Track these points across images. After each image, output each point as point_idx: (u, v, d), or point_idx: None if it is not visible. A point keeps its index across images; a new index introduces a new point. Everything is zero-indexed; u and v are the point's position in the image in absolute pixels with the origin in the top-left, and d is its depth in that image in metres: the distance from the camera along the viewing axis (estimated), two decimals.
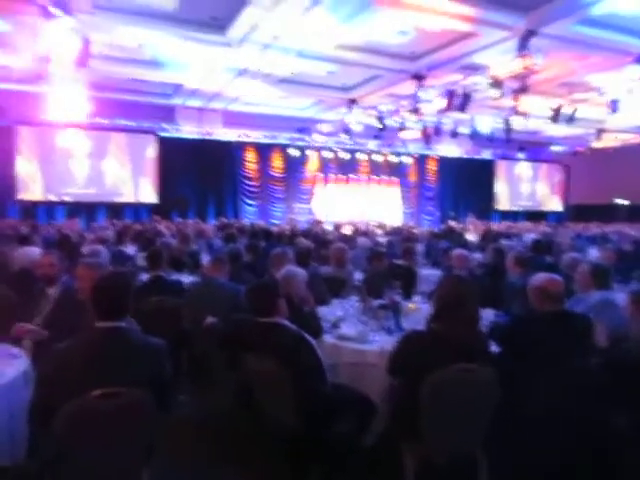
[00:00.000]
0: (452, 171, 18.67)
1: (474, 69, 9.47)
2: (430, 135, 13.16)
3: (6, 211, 12.38)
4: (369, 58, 9.43)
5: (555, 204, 21.15)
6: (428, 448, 2.53)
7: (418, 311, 3.77)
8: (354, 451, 2.86)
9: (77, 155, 13.23)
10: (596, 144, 16.35)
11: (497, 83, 8.64)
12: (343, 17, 7.45)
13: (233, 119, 14.57)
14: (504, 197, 19.98)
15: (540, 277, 3.02)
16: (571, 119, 11.07)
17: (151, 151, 14.17)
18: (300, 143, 15.93)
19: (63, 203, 13.20)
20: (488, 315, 3.64)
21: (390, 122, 12.22)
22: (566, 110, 10.96)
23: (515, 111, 10.49)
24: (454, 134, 13.61)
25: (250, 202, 15.87)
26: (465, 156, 18.58)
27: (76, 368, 2.15)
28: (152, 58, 9.73)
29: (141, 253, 6.14)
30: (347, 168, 17.10)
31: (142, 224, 10.98)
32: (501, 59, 8.56)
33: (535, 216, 18.88)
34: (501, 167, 19.80)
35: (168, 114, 14.02)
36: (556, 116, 10.93)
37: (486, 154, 18.92)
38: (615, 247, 6.78)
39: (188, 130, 14.28)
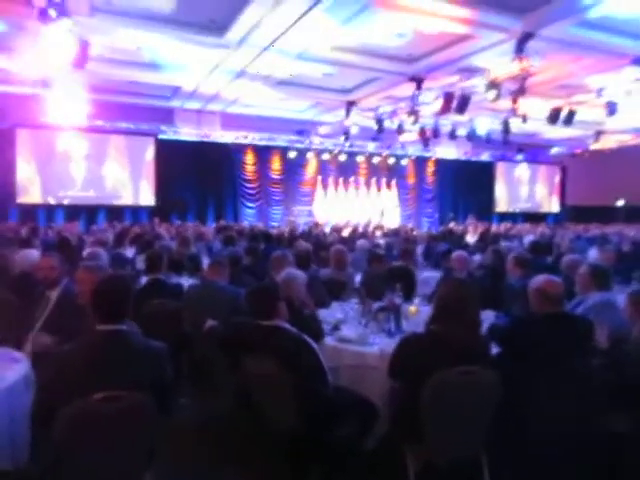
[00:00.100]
0: (451, 173, 18.71)
1: (472, 71, 9.49)
2: (428, 137, 13.17)
3: (6, 214, 12.37)
4: (367, 60, 9.45)
5: (554, 205, 21.19)
6: (430, 450, 2.53)
7: (418, 313, 3.76)
8: (355, 454, 2.86)
9: (76, 158, 13.23)
10: (594, 146, 16.39)
11: (494, 85, 8.65)
12: (342, 19, 7.47)
13: (232, 121, 14.58)
14: (503, 199, 20.01)
15: (539, 279, 3.03)
16: (569, 121, 11.09)
17: (150, 153, 14.17)
18: (299, 145, 15.93)
19: (62, 206, 13.19)
20: (488, 316, 3.64)
21: (388, 124, 12.24)
22: (564, 112, 10.98)
23: (513, 113, 10.54)
24: (452, 136, 13.64)
25: (249, 204, 15.87)
26: (464, 158, 18.61)
27: (77, 371, 2.15)
28: (151, 60, 9.73)
29: (140, 256, 6.14)
30: (346, 170, 17.12)
31: (141, 227, 10.97)
32: (499, 61, 8.58)
33: (534, 218, 18.91)
34: (500, 169, 19.83)
35: (167, 116, 14.02)
36: (554, 118, 10.95)
37: (485, 156, 18.96)
38: (615, 248, 6.79)
39: (187, 132, 14.28)
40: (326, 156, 16.58)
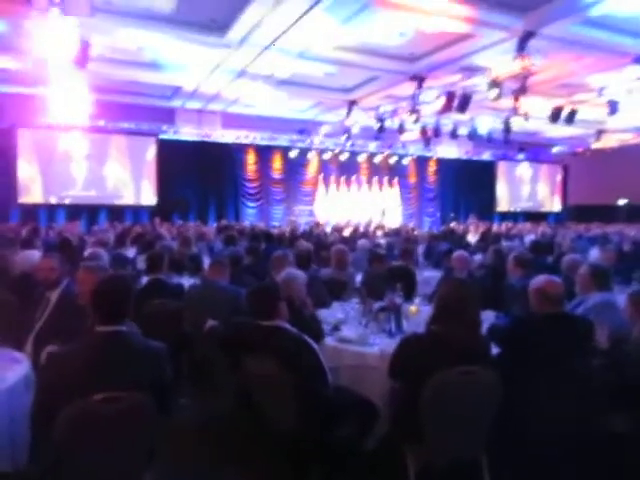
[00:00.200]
0: (452, 172, 18.69)
1: (473, 70, 9.48)
2: (430, 136, 13.16)
3: (7, 214, 12.39)
4: (368, 59, 9.45)
5: (555, 205, 21.16)
6: (430, 451, 2.53)
7: (419, 313, 3.76)
8: (356, 454, 2.86)
9: (77, 157, 13.24)
10: (596, 145, 16.36)
11: (496, 84, 8.64)
12: (342, 19, 7.47)
13: (233, 121, 14.59)
14: (504, 198, 19.98)
15: (540, 279, 3.02)
16: (570, 120, 11.07)
17: (151, 153, 14.17)
18: (300, 145, 15.93)
19: (64, 206, 13.21)
20: (488, 317, 3.63)
21: (390, 124, 12.23)
22: (565, 111, 10.96)
23: (515, 112, 10.52)
24: (454, 135, 13.62)
25: (250, 204, 15.87)
26: (465, 157, 18.59)
27: (77, 372, 2.15)
28: (151, 60, 9.74)
29: (141, 256, 6.14)
30: (347, 170, 17.11)
31: (142, 227, 10.98)
32: (500, 60, 8.57)
33: (535, 217, 18.88)
34: (501, 168, 19.80)
35: (168, 116, 14.03)
36: (555, 117, 10.93)
37: (486, 155, 18.93)
38: (615, 248, 6.78)
39: (188, 132, 14.29)
40: (327, 155, 16.57)
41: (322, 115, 14.51)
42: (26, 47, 8.17)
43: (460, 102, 9.76)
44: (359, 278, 5.33)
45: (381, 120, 12.10)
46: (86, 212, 13.34)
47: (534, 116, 11.78)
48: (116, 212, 13.64)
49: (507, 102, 9.79)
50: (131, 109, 13.25)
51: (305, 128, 15.33)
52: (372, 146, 16.69)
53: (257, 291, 3.02)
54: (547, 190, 20.96)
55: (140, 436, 2.18)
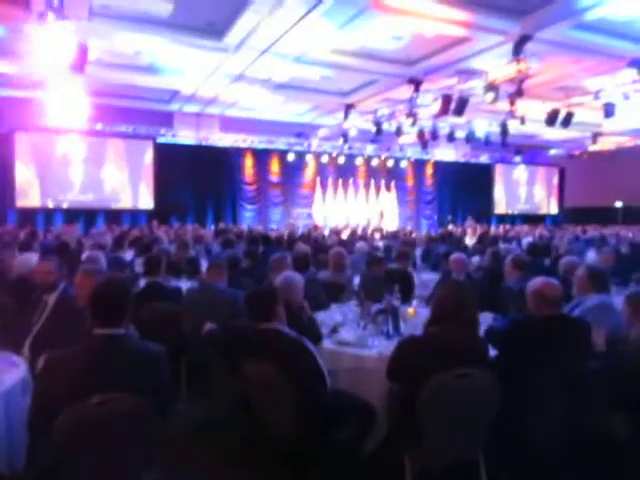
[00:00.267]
0: (450, 175, 18.74)
1: (470, 73, 9.51)
2: (427, 139, 13.20)
3: (5, 217, 12.37)
4: (366, 63, 9.48)
5: (552, 207, 21.22)
6: (428, 453, 2.53)
7: (416, 316, 3.76)
8: (354, 457, 2.86)
9: (75, 161, 13.23)
10: (592, 147, 16.43)
11: (492, 87, 8.68)
12: (339, 23, 7.49)
13: (231, 124, 14.61)
14: (502, 201, 20.03)
15: (537, 281, 3.03)
16: (567, 123, 11.11)
17: (149, 157, 14.17)
18: (298, 148, 15.96)
19: (61, 209, 13.19)
20: (486, 319, 3.64)
21: (387, 127, 12.26)
22: (562, 114, 11.00)
23: (511, 115, 10.56)
24: (451, 138, 13.66)
25: (248, 207, 15.88)
26: (462, 160, 18.64)
27: (75, 375, 2.14)
28: (149, 64, 9.75)
29: (139, 259, 6.14)
30: (345, 173, 17.13)
31: (140, 230, 10.97)
32: (497, 63, 8.60)
33: (532, 219, 18.93)
34: (498, 171, 19.86)
35: (166, 120, 14.04)
36: (552, 120, 10.97)
37: (483, 158, 18.98)
38: (613, 250, 6.80)
39: (186, 135, 14.30)
40: (325, 159, 16.60)
41: (320, 118, 14.54)
42: (24, 51, 8.17)
43: (457, 105, 9.79)
44: (357, 281, 5.33)
45: (378, 123, 12.13)
46: (84, 215, 13.32)
47: (531, 119, 11.84)
48: (114, 215, 13.63)
49: (504, 105, 9.83)
50: (129, 113, 13.26)
51: (303, 131, 15.37)
52: (369, 149, 16.73)
53: (255, 294, 3.02)
54: (544, 193, 21.02)
55: (138, 439, 2.17)
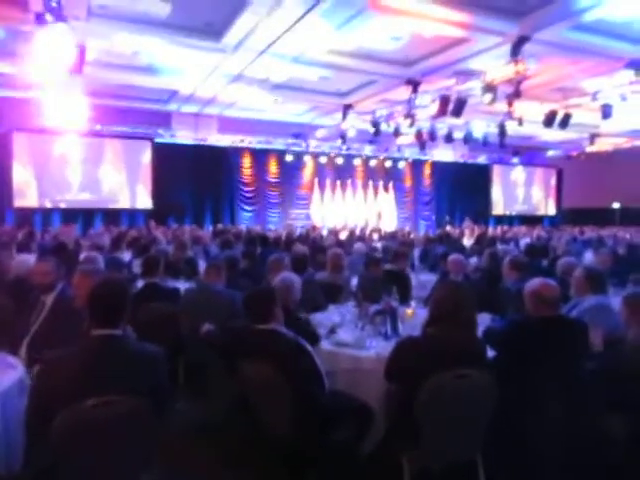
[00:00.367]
0: (448, 176, 18.76)
1: (468, 74, 9.53)
2: (425, 140, 13.21)
3: (2, 217, 12.35)
4: (364, 64, 9.48)
5: (550, 208, 21.26)
6: (426, 454, 2.54)
7: (414, 316, 3.77)
8: (352, 458, 2.86)
9: (73, 161, 13.20)
10: (590, 148, 16.47)
11: (490, 88, 8.69)
12: (337, 24, 7.49)
13: (229, 125, 14.60)
14: (499, 202, 20.06)
15: (535, 282, 3.03)
16: (564, 124, 11.14)
17: (147, 157, 14.15)
18: (296, 149, 15.96)
19: (59, 209, 13.16)
20: (484, 320, 3.65)
21: (385, 127, 12.27)
22: (560, 115, 11.03)
23: (509, 116, 10.58)
24: (449, 139, 13.68)
25: (246, 208, 15.87)
26: (460, 161, 18.67)
27: (72, 377, 2.14)
28: (147, 64, 9.74)
29: (137, 260, 6.13)
30: (343, 173, 17.14)
31: (138, 230, 10.96)
32: (495, 64, 8.61)
33: (530, 220, 18.96)
34: (496, 172, 19.88)
35: (164, 120, 14.03)
36: (550, 121, 11.00)
37: (481, 159, 19.01)
38: (610, 251, 6.82)
39: (184, 136, 14.28)
40: (323, 159, 16.61)
41: (318, 119, 14.54)
42: (22, 51, 8.16)
43: (455, 106, 9.81)
44: (355, 281, 5.34)
45: (376, 124, 12.13)
46: (81, 216, 13.29)
47: (528, 120, 11.84)
48: (112, 216, 13.60)
49: (502, 106, 9.84)
50: (127, 113, 13.24)
51: (301, 132, 15.36)
52: (368, 150, 16.74)
53: (253, 295, 3.03)
54: (542, 194, 21.06)
55: (136, 440, 2.17)
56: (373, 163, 17.48)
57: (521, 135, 15.11)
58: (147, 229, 11.59)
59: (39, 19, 6.02)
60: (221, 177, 15.37)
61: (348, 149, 16.02)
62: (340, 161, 16.75)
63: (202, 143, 14.54)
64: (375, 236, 12.02)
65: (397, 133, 12.22)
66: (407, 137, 13.11)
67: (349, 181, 17.32)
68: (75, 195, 13.28)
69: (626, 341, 2.90)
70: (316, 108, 13.42)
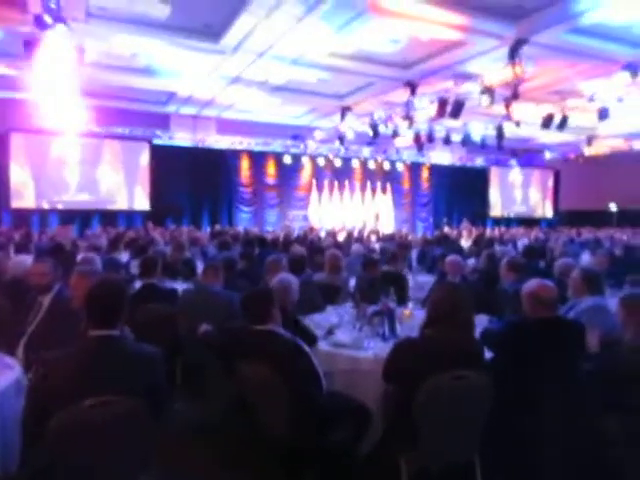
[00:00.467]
0: (446, 178, 18.79)
1: (466, 77, 9.56)
2: (423, 142, 13.24)
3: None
4: (362, 66, 9.50)
5: (547, 210, 21.31)
6: (424, 455, 2.54)
7: (412, 318, 3.77)
8: (350, 459, 2.86)
9: (70, 162, 13.18)
10: (587, 151, 16.51)
11: (488, 91, 8.72)
12: (336, 26, 7.51)
13: (227, 127, 14.62)
14: (497, 203, 20.10)
15: (532, 283, 3.04)
16: (562, 126, 11.18)
17: (145, 158, 14.14)
18: (294, 150, 15.98)
19: (56, 211, 13.14)
20: (482, 321, 3.65)
21: (383, 129, 12.30)
22: (557, 117, 11.07)
23: (507, 118, 10.61)
24: (447, 141, 13.71)
25: (245, 209, 15.88)
26: (458, 163, 18.70)
27: (69, 378, 2.14)
28: (146, 66, 9.75)
29: (134, 261, 6.13)
30: (341, 175, 17.15)
31: (136, 231, 10.95)
32: (492, 67, 8.65)
33: (528, 222, 19.00)
34: (494, 174, 19.93)
35: (162, 122, 14.04)
36: (547, 123, 11.04)
37: (479, 161, 19.05)
38: (607, 252, 6.84)
39: (182, 137, 14.29)
40: (321, 161, 16.62)
41: (316, 121, 14.56)
42: (20, 52, 8.16)
43: (453, 108, 9.84)
44: (353, 283, 5.34)
45: (375, 126, 12.16)
46: (79, 217, 13.27)
47: (526, 122, 11.89)
48: (109, 217, 13.59)
49: (499, 108, 9.87)
50: (125, 114, 13.24)
51: (299, 134, 15.38)
52: (366, 152, 16.77)
53: (251, 296, 3.03)
54: (539, 195, 21.11)
55: (134, 441, 2.17)
56: (371, 165, 17.50)
57: (519, 137, 15.16)
58: (145, 230, 11.57)
59: (38, 21, 6.02)
60: (219, 179, 15.37)
61: (346, 151, 16.03)
62: (338, 163, 16.76)
63: (200, 145, 14.54)
64: (373, 237, 12.03)
65: (395, 135, 12.24)
66: (405, 139, 13.13)
67: (347, 183, 17.33)
68: (73, 196, 13.27)
69: (623, 342, 2.91)
70: (314, 110, 13.44)
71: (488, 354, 2.96)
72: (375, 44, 8.41)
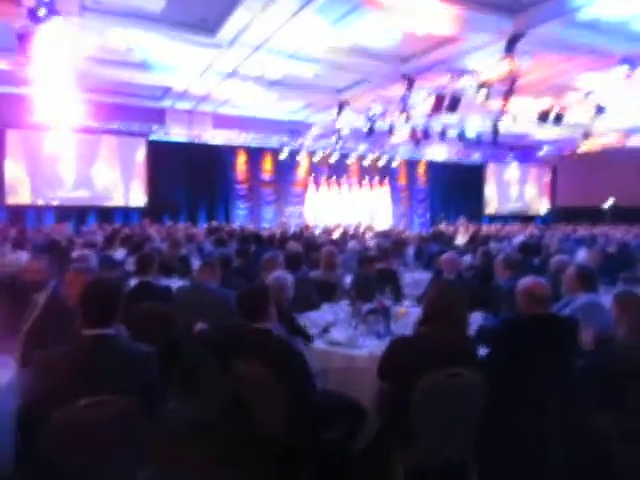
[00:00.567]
0: (442, 174, 18.79)
1: (463, 72, 9.54)
2: (419, 138, 13.22)
3: None
4: (358, 60, 9.47)
5: (543, 206, 21.35)
6: (418, 453, 2.55)
7: (407, 315, 3.78)
8: (344, 457, 2.87)
9: (66, 158, 13.11)
10: (583, 147, 16.54)
11: (484, 86, 8.71)
12: (333, 20, 7.48)
13: (223, 122, 14.56)
14: (493, 200, 20.12)
15: (527, 280, 3.06)
16: (558, 121, 11.19)
17: (141, 154, 14.08)
18: (291, 146, 15.94)
19: (52, 207, 13.08)
20: (477, 318, 3.66)
21: (380, 125, 12.27)
22: (553, 112, 11.08)
23: (503, 113, 10.61)
24: (443, 137, 13.70)
25: (241, 205, 15.84)
26: (455, 159, 18.70)
27: (64, 376, 2.14)
28: (142, 61, 9.69)
29: (130, 258, 6.11)
30: (337, 171, 17.13)
31: (131, 228, 10.91)
32: (489, 61, 8.63)
33: (524, 219, 19.03)
34: (490, 170, 19.94)
35: (158, 117, 13.96)
36: (543, 118, 11.04)
37: (476, 157, 19.05)
38: (600, 249, 6.86)
39: (178, 133, 14.22)
40: (318, 157, 16.59)
41: (312, 116, 14.51)
42: (15, 47, 8.09)
43: (450, 103, 9.82)
44: (349, 280, 5.34)
45: (371, 122, 12.13)
46: (75, 213, 13.20)
47: (522, 117, 11.89)
48: (105, 214, 13.54)
49: (496, 104, 9.86)
50: (121, 109, 13.15)
51: (296, 129, 15.34)
52: (362, 147, 16.73)
53: (247, 293, 3.02)
54: (535, 192, 21.15)
55: (129, 440, 2.17)
56: (367, 161, 17.48)
57: (515, 133, 15.15)
58: (141, 227, 11.54)
59: (32, 14, 5.98)
60: (215, 175, 15.32)
61: (343, 147, 15.99)
62: (334, 159, 16.73)
63: (196, 140, 14.48)
64: (369, 234, 12.02)
65: (392, 131, 12.22)
66: (401, 135, 13.11)
67: (344, 179, 17.31)
68: (68, 192, 13.20)
69: (616, 339, 2.93)
70: (311, 105, 13.39)
71: (482, 351, 2.97)
72: (371, 38, 8.38)
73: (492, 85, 8.76)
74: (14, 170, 12.57)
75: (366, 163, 17.46)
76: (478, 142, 14.30)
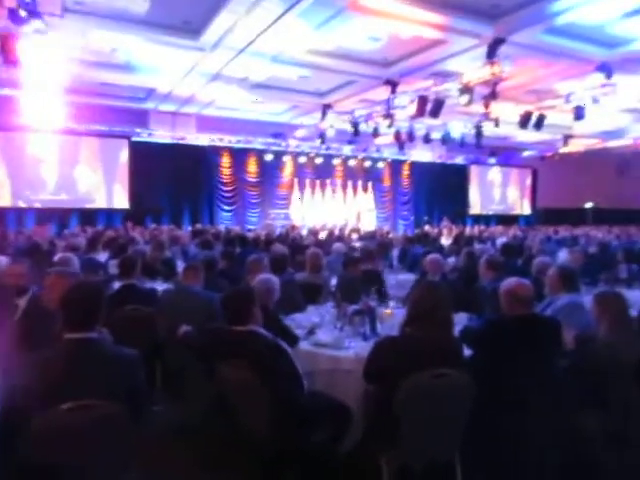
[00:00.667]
0: (426, 176, 18.92)
1: (445, 76, 9.64)
2: (404, 140, 13.31)
3: None
4: (342, 64, 9.53)
5: (525, 208, 21.64)
6: (405, 454, 2.56)
7: (393, 316, 3.79)
8: (330, 459, 2.87)
9: (48, 160, 12.91)
10: (563, 149, 16.81)
11: (467, 90, 8.81)
12: (317, 24, 7.51)
13: (207, 124, 14.49)
14: (477, 202, 20.33)
15: (510, 281, 3.09)
16: (539, 125, 11.36)
17: (124, 156, 13.93)
18: (275, 148, 15.92)
19: (33, 209, 12.87)
20: (461, 319, 3.70)
21: (364, 127, 12.33)
22: (534, 116, 11.25)
23: (486, 117, 10.75)
24: (427, 140, 13.81)
25: (226, 208, 15.76)
26: (439, 161, 18.86)
27: (46, 381, 2.11)
28: (125, 62, 9.61)
29: (113, 260, 6.04)
30: (322, 173, 17.16)
31: (115, 230, 10.79)
32: (471, 66, 8.74)
33: (507, 220, 19.27)
34: (474, 172, 20.16)
35: (141, 119, 13.84)
36: (525, 122, 11.20)
37: (459, 159, 19.24)
38: (582, 250, 6.97)
39: (162, 135, 14.11)
40: (302, 159, 16.59)
41: (297, 118, 14.53)
42: None
43: (433, 107, 9.91)
44: (334, 282, 5.34)
45: (356, 124, 12.19)
46: (57, 216, 13.00)
47: (504, 121, 12.05)
48: (88, 216, 13.35)
49: (478, 107, 9.99)
50: (104, 111, 13.01)
51: (280, 131, 15.33)
52: (347, 150, 16.78)
53: (231, 296, 3.01)
54: (517, 193, 21.42)
55: (113, 444, 2.15)
56: (352, 163, 17.53)
57: (497, 136, 15.35)
58: (124, 229, 11.41)
59: (12, 15, 5.89)
60: (200, 177, 15.21)
61: (327, 149, 16.03)
62: (319, 161, 16.75)
63: (180, 142, 14.38)
64: (354, 236, 12.06)
65: (376, 133, 12.29)
66: (386, 137, 13.19)
67: (328, 181, 17.35)
68: (50, 195, 13.01)
69: (597, 338, 2.98)
70: (295, 107, 13.41)
71: (467, 352, 3.00)
72: (355, 42, 8.43)
73: (474, 89, 8.87)
74: None
75: (351, 165, 17.50)
76: (462, 144, 14.45)
